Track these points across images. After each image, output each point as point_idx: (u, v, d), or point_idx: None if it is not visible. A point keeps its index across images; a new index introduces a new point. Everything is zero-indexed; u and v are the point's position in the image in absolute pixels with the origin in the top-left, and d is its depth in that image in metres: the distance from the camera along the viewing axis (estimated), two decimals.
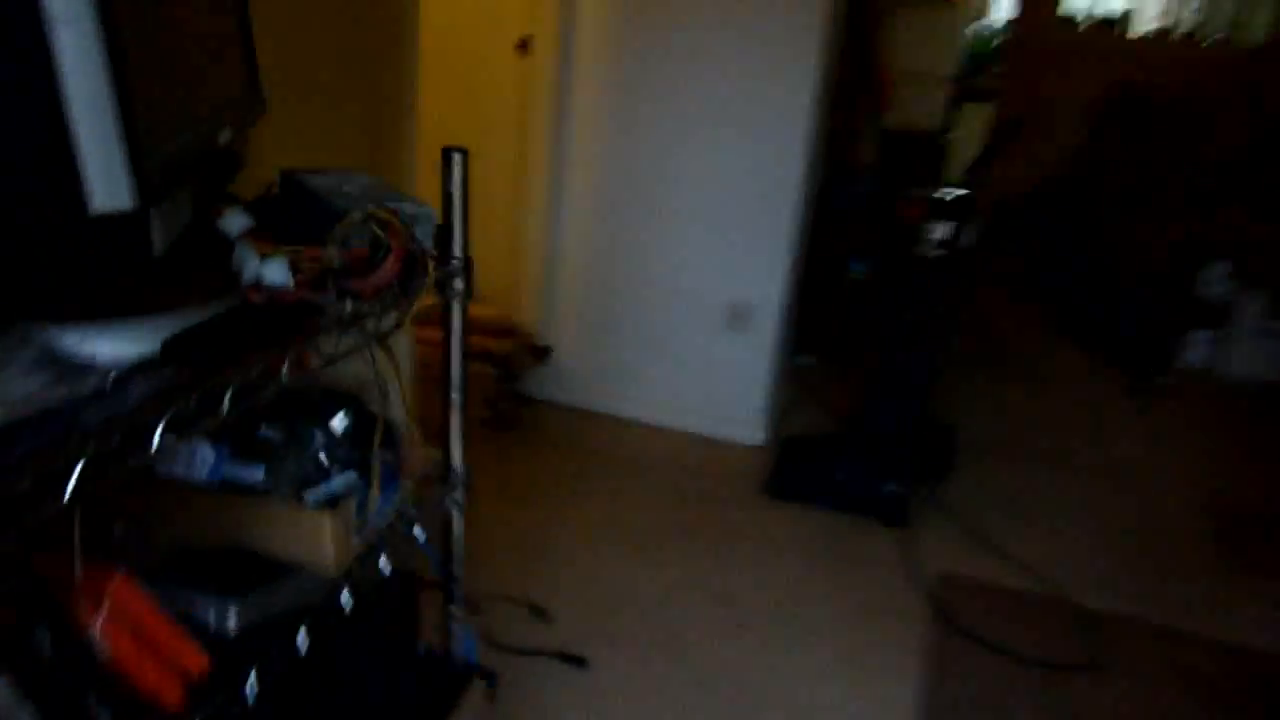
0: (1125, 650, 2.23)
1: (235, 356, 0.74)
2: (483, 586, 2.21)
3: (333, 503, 0.95)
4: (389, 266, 0.88)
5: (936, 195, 4.56)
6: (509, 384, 3.00)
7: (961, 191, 4.61)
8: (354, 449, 1.00)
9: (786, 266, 2.90)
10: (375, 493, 1.01)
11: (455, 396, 1.16)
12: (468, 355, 2.96)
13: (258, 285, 0.81)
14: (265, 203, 0.99)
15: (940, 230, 4.09)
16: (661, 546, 2.47)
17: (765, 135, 2.78)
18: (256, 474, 0.93)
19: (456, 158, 1.03)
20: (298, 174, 1.04)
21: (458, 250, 1.05)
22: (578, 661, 2.01)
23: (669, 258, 3.00)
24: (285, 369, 0.77)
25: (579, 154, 2.99)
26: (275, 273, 0.82)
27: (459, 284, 1.06)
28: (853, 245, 4.47)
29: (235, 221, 0.84)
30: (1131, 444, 3.47)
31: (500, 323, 3.01)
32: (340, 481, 0.97)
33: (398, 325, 0.91)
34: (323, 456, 0.97)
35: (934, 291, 2.80)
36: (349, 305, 0.85)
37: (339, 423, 0.98)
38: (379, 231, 0.88)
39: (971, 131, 5.84)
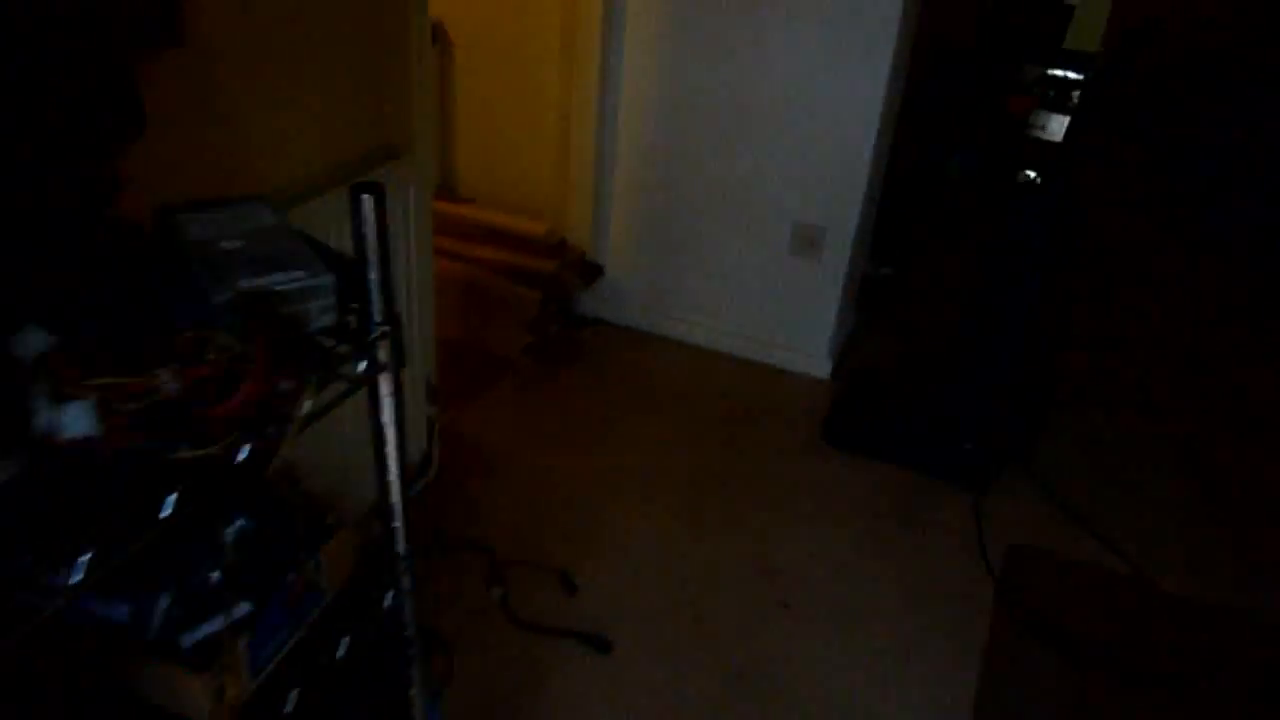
0: (1222, 657, 1.99)
1: None
2: (512, 548, 2.08)
3: (215, 647, 0.78)
4: (246, 390, 0.66)
5: (1051, 77, 4.00)
6: (554, 308, 2.79)
7: (1080, 77, 4.04)
8: (255, 560, 0.82)
9: (865, 184, 2.55)
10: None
11: (392, 479, 0.95)
12: (511, 275, 2.75)
13: (55, 438, 0.61)
14: (124, 263, 0.77)
15: (1055, 124, 3.59)
16: (705, 503, 2.28)
17: (848, 25, 2.37)
18: (122, 611, 0.77)
19: (366, 200, 0.78)
20: (178, 214, 0.82)
21: (377, 314, 0.82)
22: (601, 645, 1.88)
23: (731, 172, 2.68)
24: (84, 566, 0.58)
25: (634, 50, 2.64)
26: (77, 420, 0.61)
27: (382, 356, 0.83)
28: (955, 136, 4.00)
29: (30, 342, 0.63)
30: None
31: (546, 239, 2.78)
32: (226, 617, 0.79)
33: (272, 454, 0.70)
34: (214, 577, 0.79)
35: (1043, 207, 2.38)
36: (186, 450, 0.64)
37: (232, 534, 0.80)
38: (230, 343, 0.65)
39: None
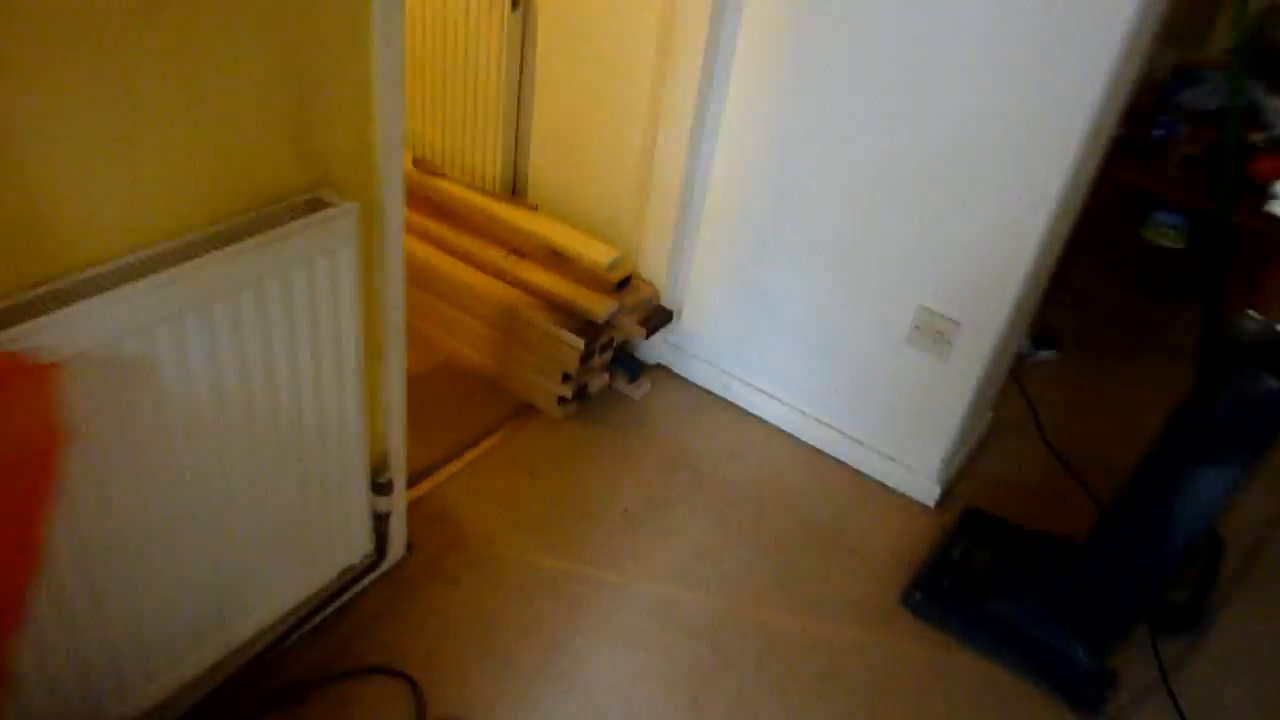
0: None
1: None
2: (446, 690, 1.63)
3: None
4: None
5: None
6: (604, 358, 2.28)
7: None
8: None
9: (1027, 278, 1.88)
10: None
11: None
12: (560, 311, 2.25)
13: None
14: None
15: None
16: (718, 669, 1.76)
17: (1040, 47, 1.70)
18: None
19: None
20: None
21: None
22: None
23: (849, 229, 2.07)
24: None
25: (749, 56, 2.05)
26: None
27: None
28: (1165, 185, 3.15)
29: None
30: None
31: (609, 272, 2.25)
32: None
33: None
34: None
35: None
36: None
37: None
38: None
39: None
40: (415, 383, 2.24)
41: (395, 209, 1.41)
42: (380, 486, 1.63)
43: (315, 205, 1.26)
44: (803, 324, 2.24)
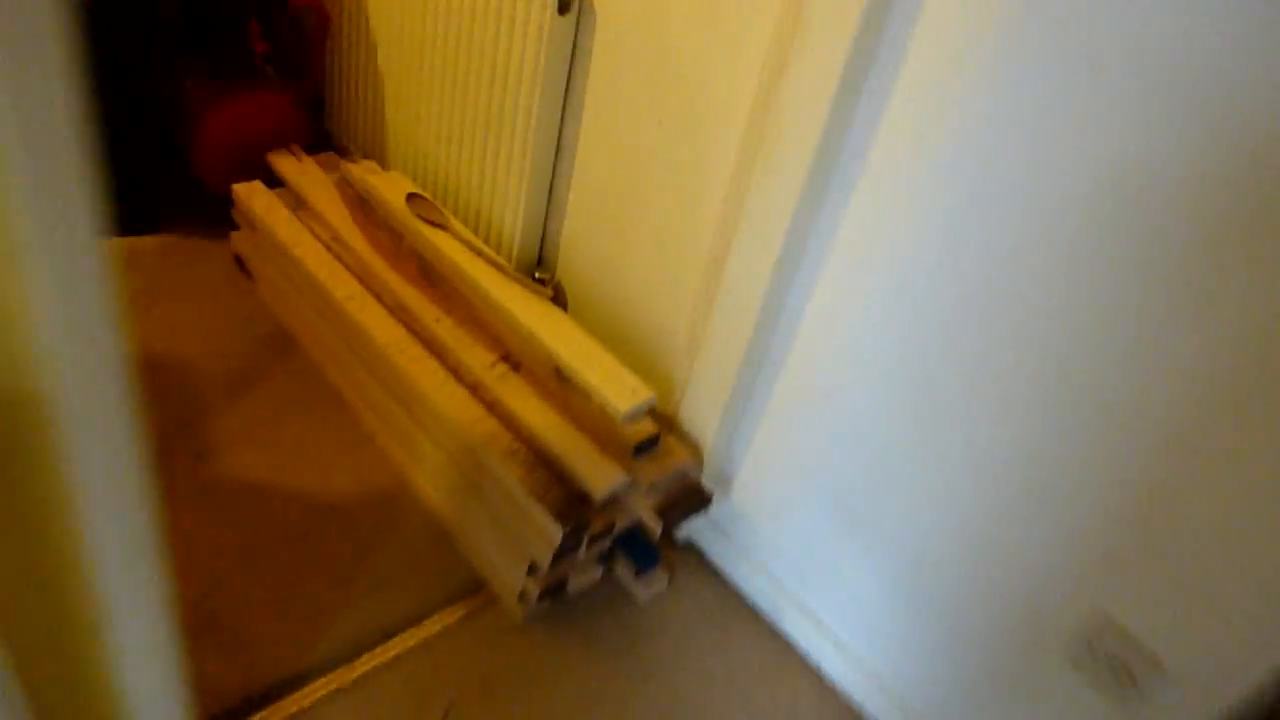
0: None
1: None
2: None
3: None
4: None
5: None
6: (584, 550, 1.56)
7: None
8: None
9: None
10: None
11: None
12: (550, 471, 1.50)
13: None
14: None
15: None
16: None
17: None
18: None
19: None
20: None
21: None
22: None
23: (1000, 447, 1.26)
24: None
25: (885, 160, 1.25)
26: None
27: None
28: None
29: None
30: None
31: (628, 426, 1.52)
32: None
33: None
34: None
35: None
36: None
37: None
38: None
39: None
40: (334, 513, 1.60)
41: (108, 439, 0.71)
42: None
43: None
44: (903, 561, 1.44)
